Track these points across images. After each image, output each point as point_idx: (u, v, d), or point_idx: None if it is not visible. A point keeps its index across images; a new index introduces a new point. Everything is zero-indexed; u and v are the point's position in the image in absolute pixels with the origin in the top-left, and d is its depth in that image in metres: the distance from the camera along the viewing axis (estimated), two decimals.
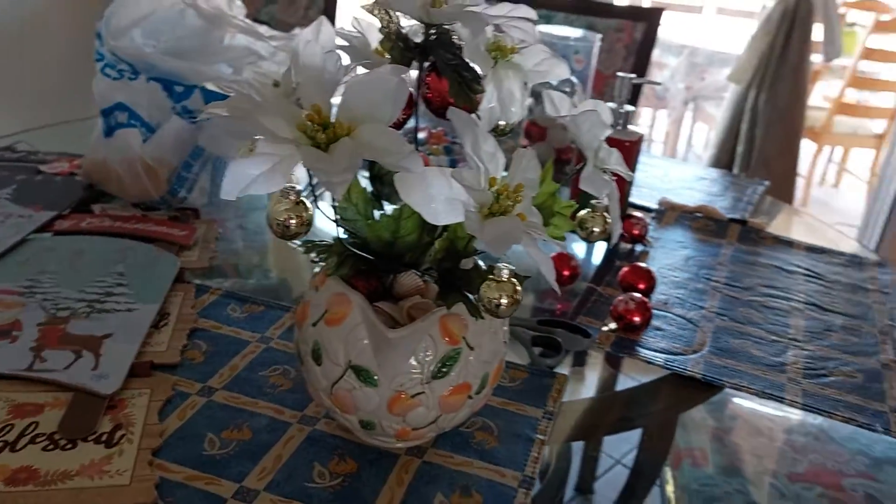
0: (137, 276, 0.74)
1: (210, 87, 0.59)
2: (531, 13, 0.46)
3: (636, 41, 1.75)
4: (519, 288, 0.46)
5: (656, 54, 1.61)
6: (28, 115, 1.52)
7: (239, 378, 0.62)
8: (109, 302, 0.69)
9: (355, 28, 0.56)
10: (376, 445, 0.57)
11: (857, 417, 0.67)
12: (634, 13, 1.75)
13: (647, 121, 4.25)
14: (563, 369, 0.70)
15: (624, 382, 0.75)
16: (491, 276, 0.46)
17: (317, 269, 0.56)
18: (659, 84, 1.88)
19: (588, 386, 0.73)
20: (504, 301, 0.46)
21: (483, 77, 0.50)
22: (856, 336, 0.82)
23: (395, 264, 0.54)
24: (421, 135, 1.05)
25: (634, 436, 1.65)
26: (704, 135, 4.28)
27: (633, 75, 0.99)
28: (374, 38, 0.57)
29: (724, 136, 2.00)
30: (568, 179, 1.19)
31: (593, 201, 0.57)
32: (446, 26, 0.48)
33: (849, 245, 1.14)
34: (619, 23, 1.73)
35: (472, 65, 0.48)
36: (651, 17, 1.73)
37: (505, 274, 0.46)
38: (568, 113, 0.53)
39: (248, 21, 0.84)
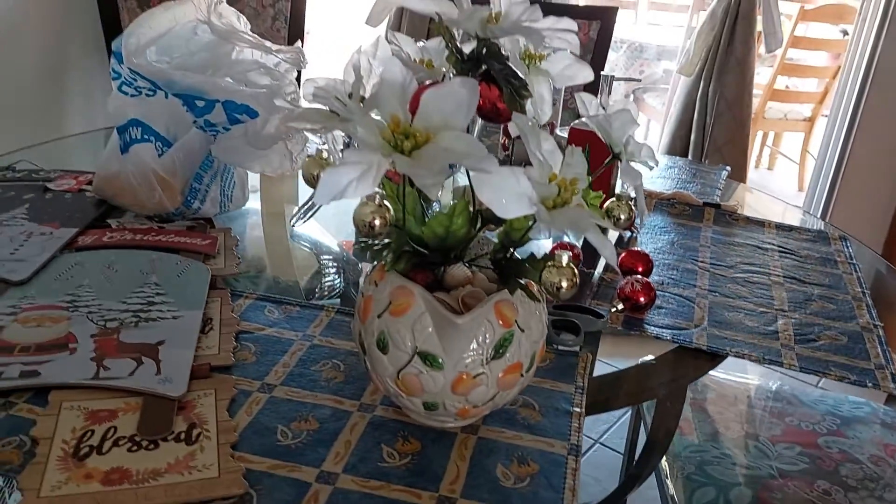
0: (173, 284, 0.77)
1: (279, 102, 0.62)
2: (572, 24, 0.52)
3: (592, 39, 1.83)
4: (576, 272, 0.51)
5: None
6: (13, 134, 1.51)
7: (293, 374, 0.66)
8: (154, 311, 0.72)
9: (394, 43, 0.61)
10: (433, 426, 0.61)
11: (849, 375, 0.75)
12: (589, 13, 1.83)
13: None
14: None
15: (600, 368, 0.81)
16: (551, 263, 0.51)
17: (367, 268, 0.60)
18: (639, 80, 1.97)
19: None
20: (564, 284, 0.51)
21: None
22: (833, 304, 0.90)
23: (445, 257, 0.59)
24: None
25: (611, 416, 1.73)
26: (645, 125, 4.43)
27: (613, 74, 1.06)
28: (411, 51, 0.62)
29: (677, 126, 2.11)
30: None
31: (618, 191, 0.63)
32: (495, 39, 0.53)
33: (795, 216, 1.24)
34: (576, 23, 1.81)
35: (518, 72, 0.53)
36: (606, 16, 1.81)
37: (564, 260, 0.51)
38: (597, 112, 0.58)
39: (255, 36, 0.87)
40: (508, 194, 0.47)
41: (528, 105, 0.59)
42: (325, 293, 0.88)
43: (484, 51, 0.52)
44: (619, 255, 0.93)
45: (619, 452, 1.89)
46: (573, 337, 0.77)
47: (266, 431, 0.59)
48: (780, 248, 1.04)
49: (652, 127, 4.35)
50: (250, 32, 0.87)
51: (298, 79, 1.29)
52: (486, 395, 0.57)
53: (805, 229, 1.11)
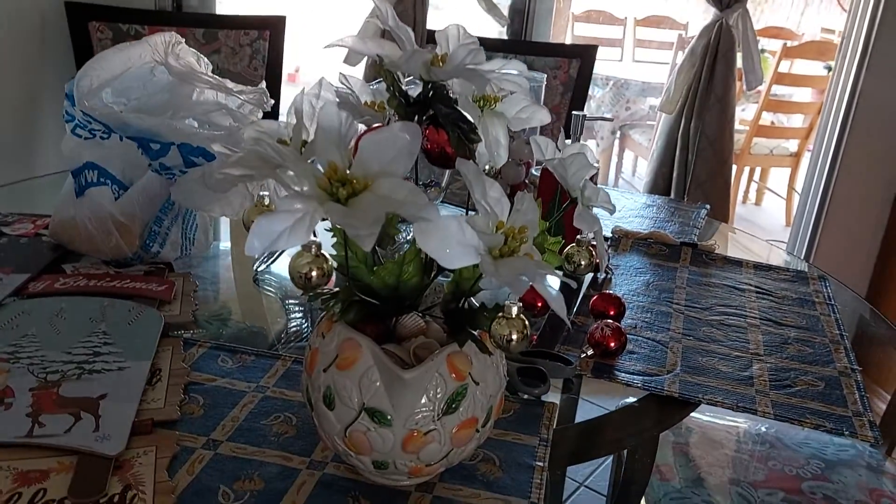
0: (123, 333, 0.74)
1: (217, 147, 0.60)
2: (521, 66, 0.50)
3: (572, 77, 1.83)
4: (527, 323, 0.49)
5: None
6: None
7: (242, 429, 0.63)
8: (98, 362, 0.69)
9: (344, 84, 0.59)
10: (386, 484, 0.58)
11: (825, 423, 0.72)
12: (570, 51, 1.83)
13: None
14: (554, 398, 0.74)
15: (584, 407, 0.78)
16: (501, 314, 0.49)
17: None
18: (610, 120, 1.97)
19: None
20: (515, 336, 0.48)
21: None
22: (810, 347, 0.87)
23: (398, 307, 0.57)
24: None
25: (597, 459, 1.67)
26: (632, 161, 4.45)
27: (584, 113, 1.04)
28: (362, 93, 0.60)
29: (659, 163, 2.10)
30: None
31: (578, 236, 0.61)
32: (442, 82, 0.51)
33: (779, 256, 1.22)
34: (556, 61, 1.81)
35: (467, 116, 0.51)
36: (586, 54, 1.81)
37: (514, 311, 0.49)
38: (553, 156, 0.56)
39: (216, 77, 0.85)
40: (452, 244, 0.45)
41: (483, 149, 0.57)
42: (293, 338, 0.85)
43: (430, 94, 0.50)
44: (591, 297, 0.90)
45: (603, 496, 1.85)
46: (540, 385, 0.74)
47: (207, 493, 0.56)
48: (757, 289, 1.02)
49: (639, 164, 4.37)
50: (211, 73, 0.85)
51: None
52: (440, 452, 0.54)
53: (783, 269, 1.09)
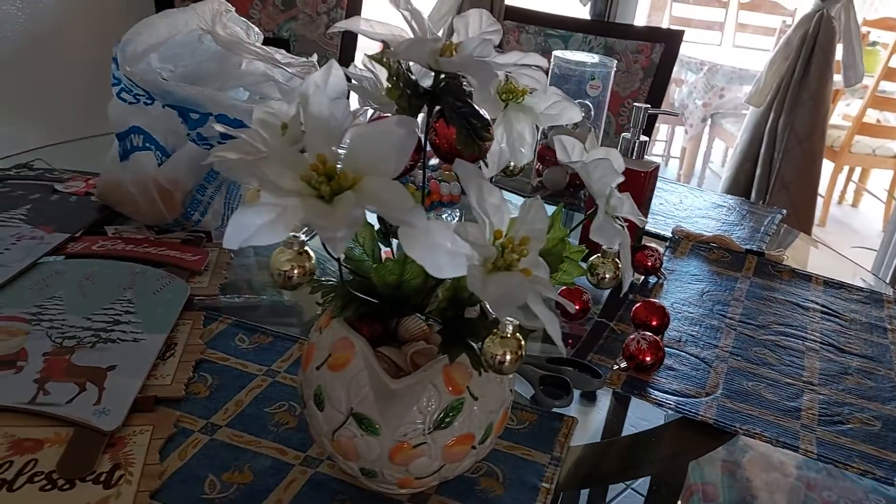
0: (146, 303, 0.73)
1: (218, 127, 0.58)
2: (541, 61, 0.45)
3: (654, 63, 1.74)
4: (523, 343, 0.45)
5: (675, 70, 1.60)
6: (45, 132, 1.53)
7: (243, 415, 0.62)
8: (116, 331, 0.69)
9: (366, 67, 0.56)
10: (379, 491, 0.56)
11: (874, 470, 0.66)
12: (654, 35, 1.74)
13: (665, 137, 4.23)
14: (574, 406, 0.69)
15: (632, 421, 0.73)
16: (495, 331, 0.45)
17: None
18: (675, 115, 1.86)
19: (595, 423, 0.72)
20: (508, 358, 0.45)
21: (493, 120, 0.50)
22: (871, 380, 0.80)
23: (401, 307, 0.53)
24: (433, 160, 1.04)
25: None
26: (722, 152, 4.25)
27: (647, 105, 0.98)
28: (386, 77, 0.56)
29: (742, 159, 1.98)
30: (582, 205, 1.18)
31: (605, 247, 0.56)
32: (455, 73, 0.47)
33: (865, 275, 1.12)
34: (638, 44, 1.72)
35: (481, 111, 0.47)
36: (670, 40, 1.72)
37: (509, 329, 0.45)
38: (579, 159, 0.52)
39: (265, 48, 0.83)
40: (440, 252, 0.41)
41: (504, 146, 0.53)
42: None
43: (442, 85, 0.46)
44: (634, 304, 0.85)
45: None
46: (563, 396, 0.70)
47: (194, 480, 0.55)
48: (824, 309, 0.94)
49: (730, 155, 4.17)
50: (259, 45, 0.84)
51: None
52: (430, 467, 0.51)
53: (857, 288, 1.00)
